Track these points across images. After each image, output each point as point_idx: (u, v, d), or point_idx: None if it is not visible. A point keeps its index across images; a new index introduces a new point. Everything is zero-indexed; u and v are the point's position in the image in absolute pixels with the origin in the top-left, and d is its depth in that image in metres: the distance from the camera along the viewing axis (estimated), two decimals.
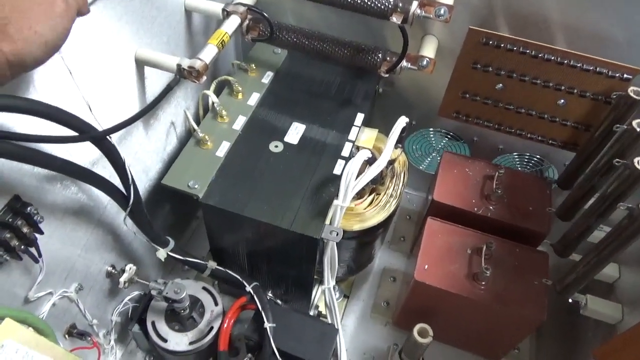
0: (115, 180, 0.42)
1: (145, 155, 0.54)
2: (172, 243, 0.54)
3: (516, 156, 0.68)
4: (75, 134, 0.34)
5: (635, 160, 0.38)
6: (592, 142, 0.49)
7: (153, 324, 0.54)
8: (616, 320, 0.45)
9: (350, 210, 0.54)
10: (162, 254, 0.53)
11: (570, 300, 0.49)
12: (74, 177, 0.37)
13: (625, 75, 0.48)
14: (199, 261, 0.56)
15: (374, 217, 0.54)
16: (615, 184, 0.39)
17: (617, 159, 0.40)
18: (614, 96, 0.47)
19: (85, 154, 0.41)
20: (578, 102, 0.52)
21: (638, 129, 0.40)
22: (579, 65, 0.49)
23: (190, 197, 0.50)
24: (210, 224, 0.54)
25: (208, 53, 0.47)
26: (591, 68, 0.49)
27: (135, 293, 0.57)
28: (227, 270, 0.55)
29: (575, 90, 0.51)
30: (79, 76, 0.39)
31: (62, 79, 0.37)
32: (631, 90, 0.45)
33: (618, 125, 0.44)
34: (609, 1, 0.48)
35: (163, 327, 0.54)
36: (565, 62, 0.49)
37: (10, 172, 0.35)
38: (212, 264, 0.56)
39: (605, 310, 0.45)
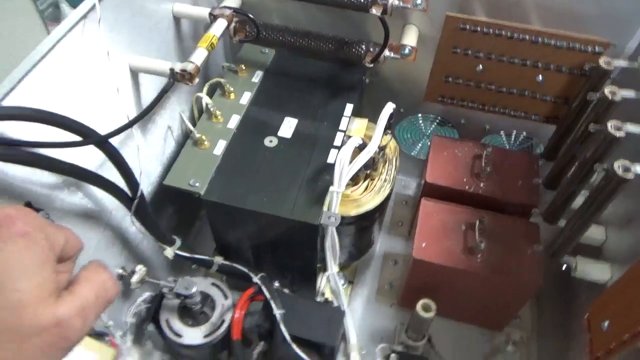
0: (120, 184, 0.44)
1: (145, 160, 0.56)
2: (178, 241, 0.56)
3: (503, 135, 0.70)
4: (80, 138, 0.36)
5: (609, 124, 0.40)
6: (571, 113, 0.52)
7: (167, 321, 0.56)
8: (606, 280, 0.48)
9: (347, 196, 0.56)
10: (169, 252, 0.56)
11: (563, 268, 0.52)
12: (82, 179, 0.39)
13: (597, 48, 0.50)
14: (205, 257, 0.58)
15: (370, 201, 0.57)
16: (592, 149, 0.42)
17: (593, 125, 0.43)
18: (587, 68, 0.50)
19: (89, 160, 0.44)
20: (555, 78, 0.54)
21: (610, 96, 0.43)
22: (552, 42, 0.51)
23: (193, 197, 0.52)
24: (213, 220, 0.56)
25: (199, 56, 0.49)
26: (565, 44, 0.51)
27: (147, 294, 0.59)
28: (234, 264, 0.57)
29: (552, 67, 0.54)
30: (77, 87, 0.41)
31: (62, 90, 0.40)
32: (602, 61, 0.47)
33: (592, 93, 0.46)
34: None
35: (177, 324, 0.56)
36: (540, 40, 0.52)
37: (21, 181, 0.37)
38: (218, 259, 0.58)
39: (594, 271, 0.48)
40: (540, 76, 0.55)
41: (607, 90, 0.43)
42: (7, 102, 0.34)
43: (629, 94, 0.43)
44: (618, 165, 0.37)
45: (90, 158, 0.42)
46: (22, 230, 0.25)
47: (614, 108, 0.44)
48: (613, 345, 0.38)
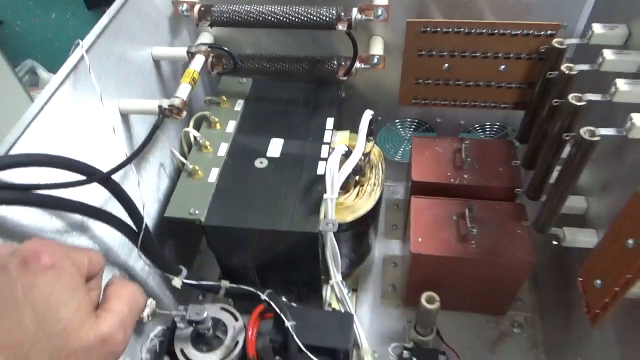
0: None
1: (139, 198, 0.58)
2: (185, 271, 0.58)
3: (478, 127, 0.74)
4: (84, 178, 0.38)
5: (570, 96, 0.43)
6: (536, 95, 0.55)
7: (182, 351, 0.57)
8: (593, 244, 0.50)
9: (341, 204, 0.59)
10: (177, 282, 0.57)
11: (554, 243, 0.54)
12: (91, 216, 0.41)
13: (549, 32, 0.55)
14: (212, 283, 0.59)
15: (363, 205, 0.59)
16: (559, 123, 0.45)
17: (556, 100, 0.46)
18: (542, 50, 0.54)
19: (92, 199, 0.46)
20: (516, 65, 0.58)
21: (566, 72, 0.46)
22: (507, 32, 0.55)
23: (192, 227, 0.54)
24: (216, 245, 0.58)
25: (183, 90, 0.52)
26: (519, 32, 0.55)
27: (159, 328, 0.60)
28: (240, 286, 0.59)
29: (511, 55, 0.57)
30: (74, 132, 0.44)
31: (61, 136, 0.42)
32: (555, 41, 0.51)
33: (550, 72, 0.50)
34: None
35: (192, 352, 0.57)
36: (496, 32, 0.56)
37: (31, 227, 0.39)
38: (225, 283, 0.60)
39: (581, 237, 0.50)
40: (502, 66, 0.59)
41: (564, 67, 0.47)
42: (12, 152, 0.36)
43: (584, 67, 0.47)
44: (584, 131, 0.41)
45: (92, 198, 0.44)
46: (49, 263, 0.27)
47: (572, 82, 0.47)
48: (607, 299, 0.41)
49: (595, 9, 0.56)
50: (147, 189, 0.59)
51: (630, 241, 0.37)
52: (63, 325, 0.26)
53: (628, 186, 0.40)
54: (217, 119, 0.63)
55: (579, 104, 0.43)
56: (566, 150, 0.47)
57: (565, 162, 0.44)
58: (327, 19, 0.55)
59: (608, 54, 0.45)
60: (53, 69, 1.57)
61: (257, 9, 0.57)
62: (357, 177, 0.60)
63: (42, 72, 1.54)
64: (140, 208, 0.46)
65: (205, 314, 0.55)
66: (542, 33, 0.55)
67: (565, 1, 0.56)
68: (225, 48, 0.59)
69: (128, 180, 0.50)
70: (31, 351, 0.25)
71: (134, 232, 0.47)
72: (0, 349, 0.25)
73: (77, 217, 0.44)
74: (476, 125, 0.73)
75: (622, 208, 0.40)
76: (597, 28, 0.48)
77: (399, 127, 0.77)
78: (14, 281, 0.26)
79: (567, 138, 0.44)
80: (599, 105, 0.44)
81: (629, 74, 0.45)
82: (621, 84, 0.42)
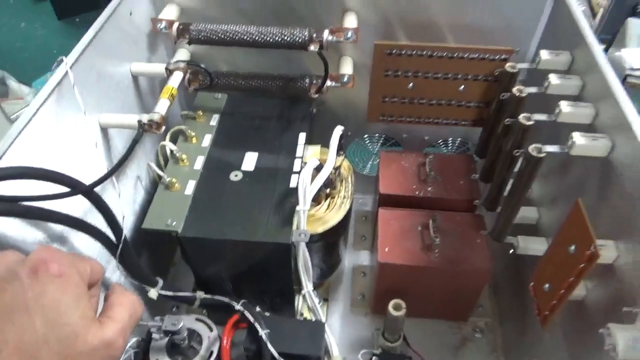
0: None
1: (117, 210, 0.59)
2: (160, 282, 0.59)
3: (441, 142, 0.78)
4: (67, 190, 0.40)
5: (520, 116, 0.48)
6: (492, 114, 0.60)
7: None
8: (543, 252, 0.55)
9: (312, 216, 0.62)
10: (153, 293, 0.58)
11: (511, 252, 0.58)
12: (74, 227, 0.42)
13: (503, 56, 0.60)
14: (188, 294, 0.61)
15: (334, 217, 0.62)
16: (511, 140, 0.50)
17: (508, 119, 0.51)
18: (497, 73, 0.59)
19: (73, 211, 0.47)
20: (474, 86, 0.63)
21: (517, 94, 0.51)
22: (466, 55, 0.60)
23: (168, 239, 0.56)
24: (192, 257, 0.60)
25: (162, 106, 0.54)
26: (476, 56, 0.60)
27: (134, 340, 0.61)
28: (215, 296, 0.61)
29: (469, 76, 0.62)
30: (57, 146, 0.45)
31: (44, 149, 0.44)
32: (507, 66, 0.56)
33: (503, 94, 0.55)
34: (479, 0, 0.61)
35: None
36: (455, 55, 0.60)
37: (13, 239, 0.40)
38: (200, 294, 0.61)
39: (533, 245, 0.54)
40: (462, 86, 0.63)
41: (515, 89, 0.52)
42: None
43: (532, 89, 0.52)
44: (532, 148, 0.45)
45: (71, 209, 0.46)
46: (58, 271, 0.29)
47: (523, 103, 0.52)
48: (554, 302, 0.45)
49: (544, 37, 0.62)
50: (124, 201, 0.60)
51: (572, 247, 0.41)
52: (71, 329, 0.29)
53: (572, 197, 0.44)
54: (193, 133, 0.65)
55: (528, 123, 0.47)
56: (519, 165, 0.51)
57: (516, 176, 0.49)
58: (300, 40, 0.59)
59: (553, 78, 0.50)
60: (23, 79, 1.55)
61: (234, 28, 0.60)
62: (328, 190, 0.63)
63: (12, 83, 1.52)
64: (120, 220, 0.47)
65: (181, 324, 0.57)
66: (496, 57, 0.60)
67: (517, 29, 0.62)
68: (203, 65, 0.61)
69: (107, 193, 0.52)
70: (42, 352, 0.27)
71: (113, 244, 0.49)
72: (13, 350, 0.27)
73: (58, 228, 0.45)
74: (440, 141, 0.78)
75: (566, 216, 0.44)
76: (544, 54, 0.53)
77: (367, 142, 0.81)
78: (25, 288, 0.28)
79: (517, 154, 0.48)
80: (546, 125, 0.49)
81: (571, 97, 0.50)
82: (564, 105, 0.47)
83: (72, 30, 1.24)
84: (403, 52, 0.61)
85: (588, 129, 0.48)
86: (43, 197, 0.37)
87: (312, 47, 0.58)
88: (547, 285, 0.46)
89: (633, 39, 1.07)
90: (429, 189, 0.67)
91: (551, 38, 0.60)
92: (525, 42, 0.63)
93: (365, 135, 0.79)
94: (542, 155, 0.44)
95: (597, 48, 0.49)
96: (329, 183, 0.62)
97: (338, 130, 0.59)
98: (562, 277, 0.42)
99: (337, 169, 0.63)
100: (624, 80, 1.00)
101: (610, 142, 0.43)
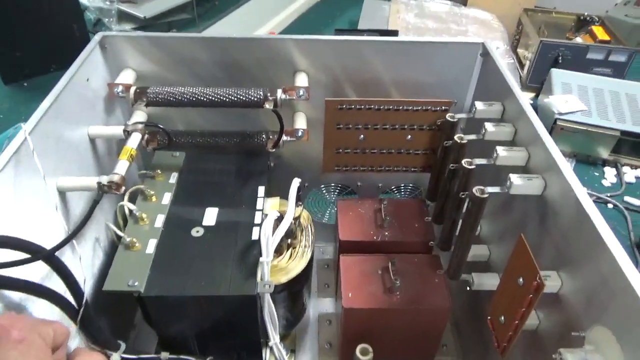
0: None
1: (78, 274, 0.58)
2: (123, 345, 0.57)
3: (394, 189, 0.82)
4: (28, 255, 0.40)
5: (463, 162, 0.52)
6: (438, 160, 0.65)
7: None
8: (496, 286, 0.58)
9: (275, 267, 0.63)
10: (116, 358, 0.57)
11: (468, 288, 0.61)
12: (35, 294, 0.42)
13: (443, 107, 0.65)
14: (152, 356, 0.59)
15: (296, 266, 0.63)
16: (457, 183, 0.54)
17: (452, 165, 0.55)
18: (439, 123, 0.64)
19: (32, 276, 0.46)
20: (420, 135, 0.68)
21: (459, 140, 0.56)
22: (410, 108, 0.65)
23: (129, 300, 0.55)
24: (155, 316, 0.59)
25: (121, 167, 0.55)
26: (419, 108, 0.65)
27: None
28: (181, 356, 0.60)
29: (415, 127, 0.67)
30: (15, 211, 0.45)
31: (2, 219, 0.43)
32: (448, 116, 0.61)
33: (447, 142, 0.60)
34: (418, 59, 0.66)
35: None
36: (400, 107, 0.65)
37: None
38: (165, 355, 0.60)
39: (487, 281, 0.58)
40: (409, 136, 0.68)
41: (457, 137, 0.57)
42: None
43: (472, 137, 0.57)
44: (475, 190, 0.49)
45: (32, 274, 0.45)
46: (19, 337, 0.29)
47: (465, 149, 0.57)
48: (510, 333, 0.47)
49: (477, 89, 0.68)
50: (84, 264, 0.59)
51: (520, 279, 0.45)
52: None
53: (517, 233, 0.48)
54: (152, 192, 0.65)
55: (470, 167, 0.52)
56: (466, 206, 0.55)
57: (464, 216, 0.52)
58: (256, 99, 0.62)
59: (489, 126, 0.55)
60: None
61: (191, 90, 0.62)
62: (289, 240, 0.65)
63: None
64: (81, 283, 0.47)
65: None
66: (438, 108, 0.65)
67: (453, 83, 0.68)
68: (161, 126, 0.63)
69: (66, 256, 0.51)
70: None
71: (74, 308, 0.48)
72: None
73: (16, 294, 0.44)
74: (392, 187, 0.82)
75: (512, 252, 0.48)
76: (479, 105, 0.59)
77: (324, 191, 0.83)
78: None
79: (463, 196, 0.52)
80: (487, 168, 0.53)
81: (506, 142, 0.55)
82: (500, 150, 0.52)
83: (19, 95, 1.22)
84: (352, 106, 0.66)
85: (524, 170, 0.52)
86: (4, 265, 0.37)
87: (267, 105, 0.62)
88: (502, 318, 0.49)
89: (557, 86, 1.19)
90: (386, 233, 0.70)
91: (484, 90, 0.67)
92: (461, 94, 0.69)
93: (322, 185, 0.82)
94: (485, 195, 0.48)
95: (524, 99, 0.55)
96: (290, 233, 0.64)
97: (295, 182, 0.61)
98: (515, 308, 0.45)
99: (296, 219, 0.65)
100: (554, 123, 1.09)
101: (543, 181, 0.48)
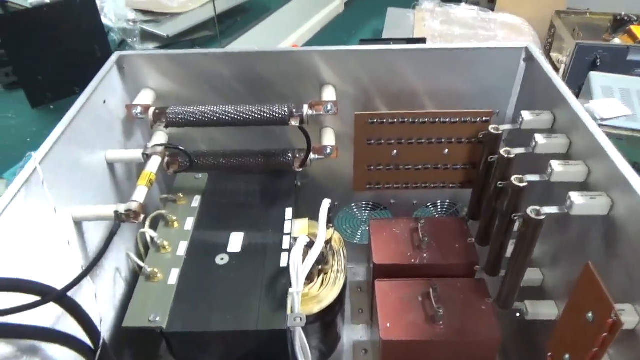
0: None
1: (94, 312, 0.55)
2: None
3: (430, 206, 0.77)
4: (38, 298, 0.36)
5: (512, 178, 0.47)
6: (480, 176, 0.59)
7: None
8: (555, 315, 0.52)
9: (306, 295, 0.58)
10: None
11: (517, 315, 0.56)
12: (46, 340, 0.38)
13: (484, 118, 0.60)
14: None
15: (329, 294, 0.59)
16: (505, 202, 0.48)
17: (500, 182, 0.49)
18: (481, 136, 0.59)
19: (43, 318, 0.43)
20: (459, 149, 0.63)
21: (505, 155, 0.50)
22: (447, 120, 0.60)
23: (151, 336, 0.51)
24: (179, 351, 0.55)
25: (140, 194, 0.52)
26: (457, 120, 0.60)
27: None
28: None
29: (453, 140, 0.62)
30: (26, 246, 0.42)
31: (11, 251, 0.40)
32: (491, 127, 0.56)
33: (491, 156, 0.54)
34: (454, 67, 0.61)
35: None
36: (437, 120, 0.60)
37: None
38: None
39: (543, 310, 0.52)
40: (446, 150, 0.63)
41: (502, 151, 0.51)
42: None
43: (520, 150, 0.51)
44: (531, 211, 0.44)
45: (42, 315, 0.42)
46: None
47: (512, 164, 0.51)
48: None
49: (520, 98, 0.63)
50: (102, 297, 0.56)
51: (590, 315, 0.39)
52: None
53: (575, 256, 0.42)
54: (174, 218, 0.62)
55: (521, 185, 0.46)
56: (517, 226, 0.50)
57: (517, 240, 0.47)
58: (280, 116, 0.58)
59: (540, 138, 0.50)
60: None
61: (212, 109, 0.59)
62: (320, 266, 0.60)
63: None
64: (97, 323, 0.43)
65: None
66: (477, 120, 0.60)
67: (494, 92, 0.63)
68: (182, 147, 0.59)
69: (82, 292, 0.48)
70: None
71: (90, 349, 0.44)
72: None
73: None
74: (428, 204, 0.77)
75: (577, 281, 0.42)
76: (526, 115, 0.53)
77: (355, 210, 0.79)
78: None
79: (515, 218, 0.47)
80: (539, 184, 0.48)
81: (559, 155, 0.50)
82: (556, 165, 0.46)
83: (47, 118, 1.23)
84: (384, 120, 0.61)
85: (581, 186, 0.47)
86: (10, 311, 0.33)
87: (293, 122, 0.57)
88: (567, 356, 0.43)
89: (597, 91, 1.12)
90: (425, 255, 0.65)
91: (528, 98, 0.61)
92: (502, 104, 0.64)
93: (353, 204, 0.77)
94: (542, 217, 0.43)
95: (579, 106, 0.49)
96: (322, 259, 0.59)
97: (326, 203, 0.57)
98: (584, 347, 0.39)
99: (328, 242, 0.60)
100: None
101: (609, 199, 0.42)
